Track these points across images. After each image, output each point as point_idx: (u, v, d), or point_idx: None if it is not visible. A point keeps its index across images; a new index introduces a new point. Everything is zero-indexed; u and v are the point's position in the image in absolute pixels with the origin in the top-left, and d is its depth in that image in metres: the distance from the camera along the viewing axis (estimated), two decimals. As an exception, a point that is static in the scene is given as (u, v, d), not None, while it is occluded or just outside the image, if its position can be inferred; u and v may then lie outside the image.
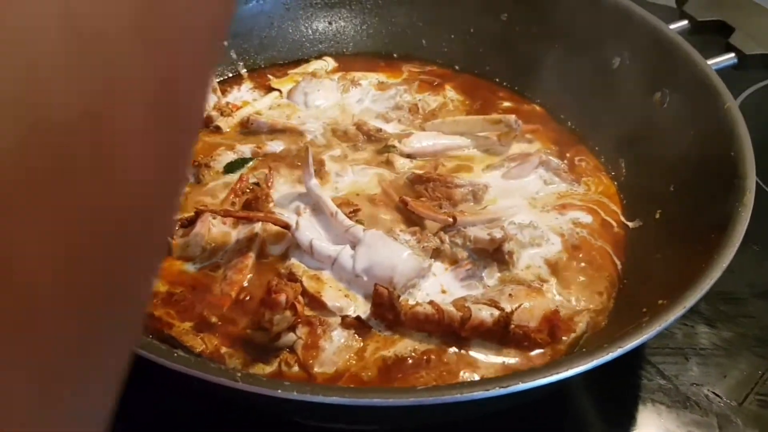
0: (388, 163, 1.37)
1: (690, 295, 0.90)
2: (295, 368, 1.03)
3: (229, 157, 1.37)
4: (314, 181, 1.25)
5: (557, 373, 0.81)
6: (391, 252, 1.13)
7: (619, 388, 1.15)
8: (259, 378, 0.77)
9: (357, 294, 1.13)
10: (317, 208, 1.26)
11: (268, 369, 1.02)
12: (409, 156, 1.40)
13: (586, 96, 1.47)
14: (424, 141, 1.40)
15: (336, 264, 1.15)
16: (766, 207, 1.20)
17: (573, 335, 1.09)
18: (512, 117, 1.37)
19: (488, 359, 1.04)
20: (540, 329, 1.07)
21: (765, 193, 1.43)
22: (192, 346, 1.04)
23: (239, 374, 0.78)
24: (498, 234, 1.15)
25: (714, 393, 1.16)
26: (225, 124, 1.44)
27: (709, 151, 1.19)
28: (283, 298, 1.00)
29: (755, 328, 1.27)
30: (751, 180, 1.06)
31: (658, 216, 1.24)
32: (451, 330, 1.06)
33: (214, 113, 1.45)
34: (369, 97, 1.55)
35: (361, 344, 1.06)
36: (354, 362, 1.04)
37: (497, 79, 1.62)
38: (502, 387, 0.78)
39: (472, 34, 1.64)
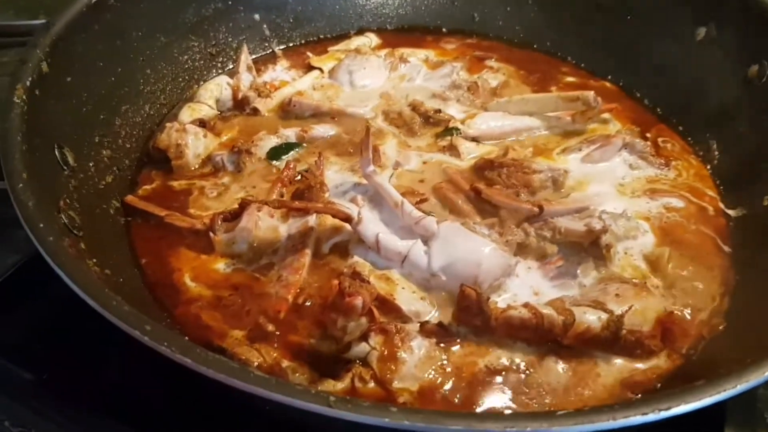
0: (452, 148, 1.22)
1: None
2: (371, 384, 0.87)
3: (272, 141, 1.21)
4: (373, 168, 1.09)
5: (719, 392, 0.66)
6: (473, 246, 0.97)
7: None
8: (360, 403, 0.62)
9: (435, 295, 0.97)
10: (375, 199, 1.10)
11: (340, 385, 0.86)
12: (474, 139, 1.24)
13: (666, 71, 1.32)
14: (491, 122, 1.25)
15: (407, 261, 0.99)
16: None
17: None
18: (591, 94, 1.22)
19: (599, 371, 0.89)
20: (653, 334, 0.92)
21: None
22: (248, 359, 0.88)
23: (332, 398, 0.63)
24: (597, 224, 0.99)
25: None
26: (263, 106, 1.28)
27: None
28: (359, 301, 0.85)
29: None
30: None
31: (766, 203, 1.09)
32: (551, 337, 0.90)
33: (251, 94, 1.28)
34: (420, 75, 1.40)
35: (446, 355, 0.90)
36: (439, 377, 0.88)
37: (560, 54, 1.46)
38: (662, 410, 0.63)
39: (530, 5, 1.49)
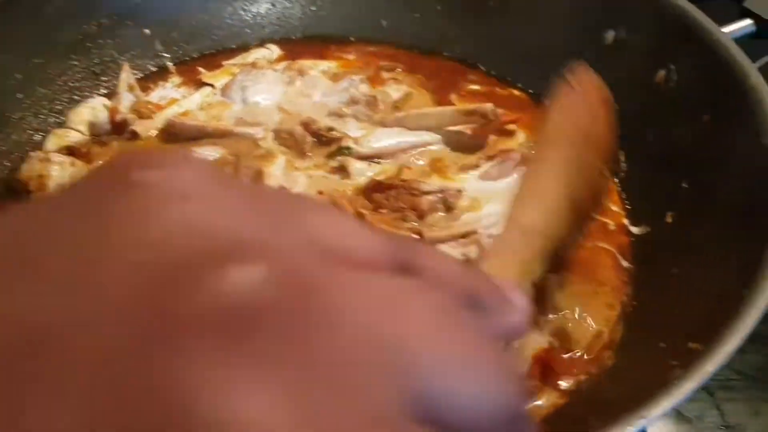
0: (342, 169, 1.14)
1: (730, 335, 0.68)
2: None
3: (147, 168, 1.12)
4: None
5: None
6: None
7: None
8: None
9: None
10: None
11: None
12: (368, 158, 1.16)
13: (575, 78, 1.24)
14: (384, 140, 1.17)
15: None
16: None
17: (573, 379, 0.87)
18: (488, 106, 1.14)
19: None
20: (531, 374, 0.85)
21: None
22: None
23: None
24: (473, 254, 0.92)
25: (747, 436, 0.95)
26: (143, 128, 1.19)
27: (731, 139, 0.97)
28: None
29: (790, 349, 1.05)
30: (791, 174, 0.84)
31: (669, 220, 1.02)
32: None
33: (130, 116, 1.20)
34: (320, 89, 1.31)
35: None
36: None
37: (470, 61, 1.38)
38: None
39: (439, 11, 1.41)
